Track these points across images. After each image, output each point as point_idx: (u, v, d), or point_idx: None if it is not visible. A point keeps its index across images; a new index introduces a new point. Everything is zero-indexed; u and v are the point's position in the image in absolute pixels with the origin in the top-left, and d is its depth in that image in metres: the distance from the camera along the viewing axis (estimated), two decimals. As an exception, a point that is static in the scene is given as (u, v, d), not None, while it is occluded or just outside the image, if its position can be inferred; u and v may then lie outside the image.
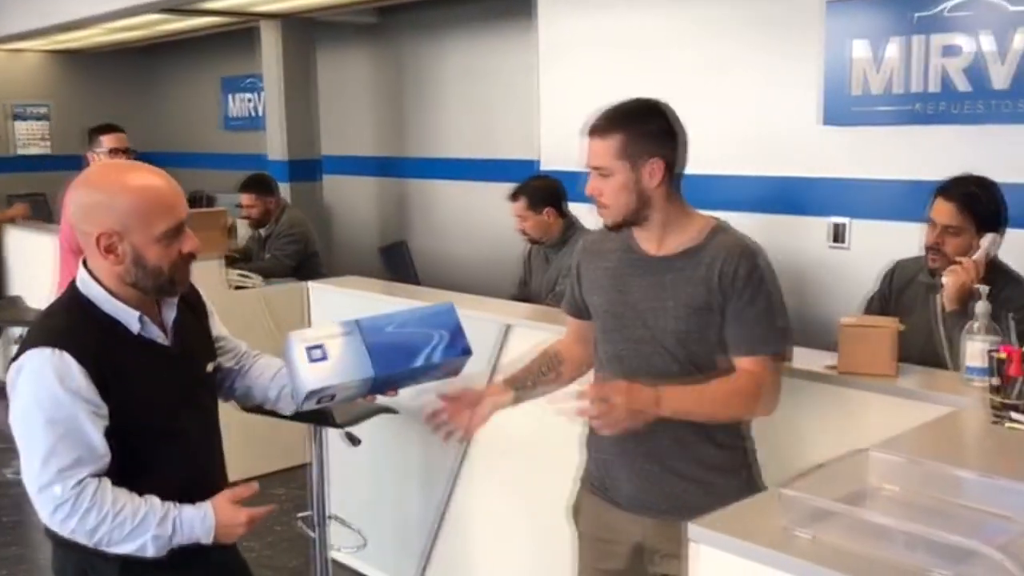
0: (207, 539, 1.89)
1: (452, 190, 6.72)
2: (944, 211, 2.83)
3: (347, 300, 3.81)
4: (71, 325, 1.89)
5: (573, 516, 2.42)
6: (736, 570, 1.45)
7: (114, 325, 1.91)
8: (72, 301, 1.93)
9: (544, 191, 4.15)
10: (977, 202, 2.80)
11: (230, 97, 9.24)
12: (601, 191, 2.14)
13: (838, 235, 4.09)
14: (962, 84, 3.63)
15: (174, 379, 1.98)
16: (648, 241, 2.20)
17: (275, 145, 7.39)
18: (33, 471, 1.81)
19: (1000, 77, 3.53)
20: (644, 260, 2.19)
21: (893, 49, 3.80)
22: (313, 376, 1.93)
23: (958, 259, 2.73)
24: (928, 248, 2.88)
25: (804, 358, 2.63)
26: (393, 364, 2.01)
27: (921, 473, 1.68)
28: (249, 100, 8.97)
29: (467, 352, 2.08)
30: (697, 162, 4.23)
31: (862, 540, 1.42)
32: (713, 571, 1.49)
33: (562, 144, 5.12)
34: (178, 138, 9.68)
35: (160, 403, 1.94)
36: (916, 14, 3.72)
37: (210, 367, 2.09)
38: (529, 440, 3.09)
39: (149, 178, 1.90)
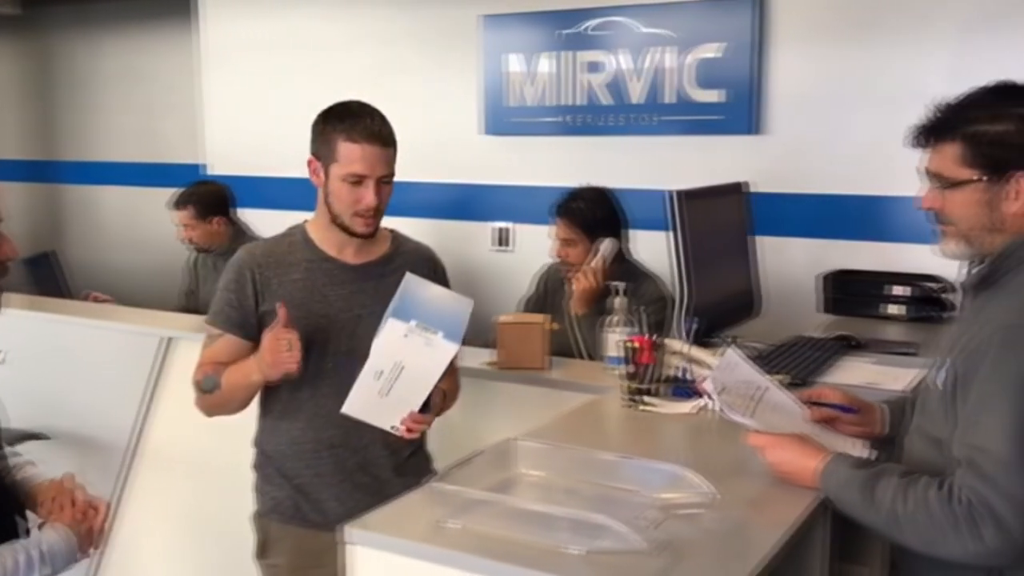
0: (77, 556, 1.73)
1: (111, 195, 6.27)
2: (558, 226, 3.11)
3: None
4: None
5: (262, 553, 2.25)
6: (390, 567, 1.48)
7: None
8: None
9: (212, 198, 3.99)
10: (580, 214, 3.09)
11: None
12: (382, 199, 2.13)
13: (502, 239, 4.30)
14: (605, 98, 3.94)
15: None
16: (345, 250, 2.19)
17: None
18: None
19: (636, 92, 3.87)
20: (342, 269, 2.18)
21: (544, 64, 4.04)
22: None
23: (584, 268, 2.99)
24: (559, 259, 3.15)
25: (468, 356, 2.74)
26: None
27: (563, 457, 1.81)
28: None
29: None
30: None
31: (508, 525, 1.50)
32: (369, 571, 1.50)
33: (230, 148, 4.96)
34: None
35: None
36: (562, 31, 3.98)
37: None
38: (204, 463, 2.96)
39: None
